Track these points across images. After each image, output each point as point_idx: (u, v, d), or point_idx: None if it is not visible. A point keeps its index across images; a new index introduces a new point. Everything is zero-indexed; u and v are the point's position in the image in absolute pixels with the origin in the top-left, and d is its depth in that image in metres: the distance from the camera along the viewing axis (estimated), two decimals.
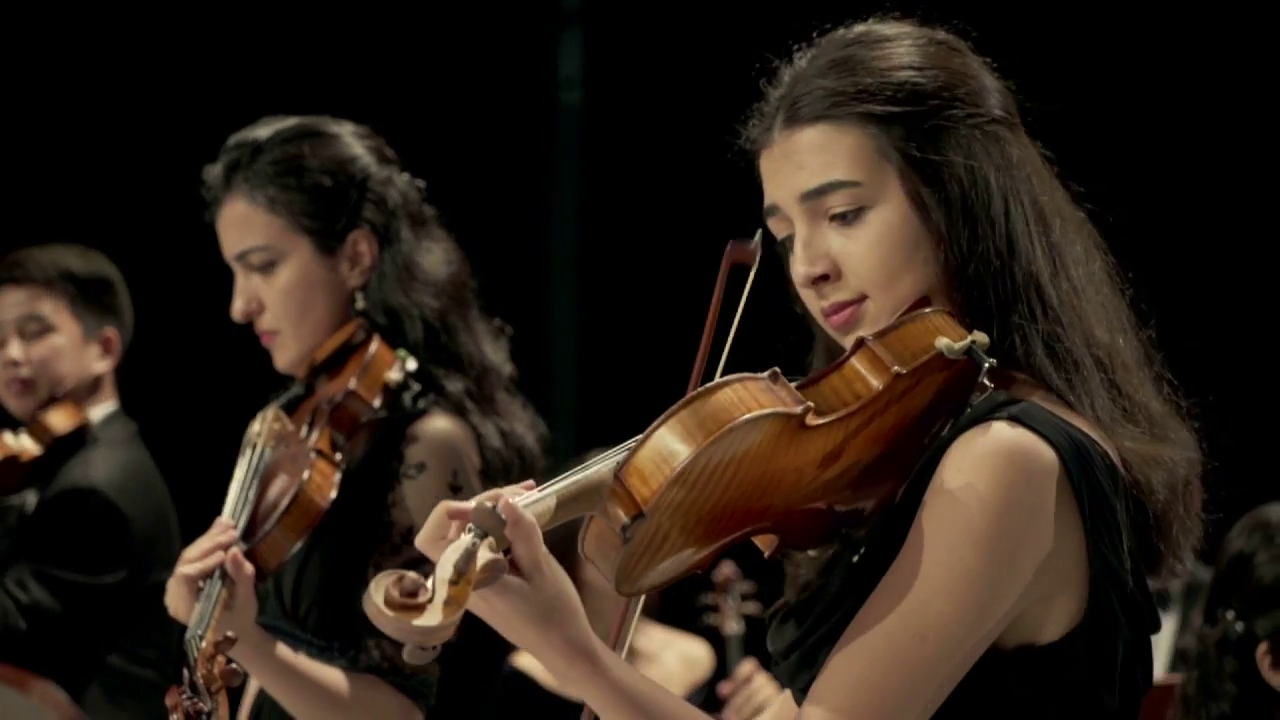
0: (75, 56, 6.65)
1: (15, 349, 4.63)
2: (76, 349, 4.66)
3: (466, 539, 2.00)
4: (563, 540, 4.26)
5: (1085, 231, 2.37)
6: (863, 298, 2.28)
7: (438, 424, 3.28)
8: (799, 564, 2.39)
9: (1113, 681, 2.21)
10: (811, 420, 2.13)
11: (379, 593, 1.95)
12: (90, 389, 4.70)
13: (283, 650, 3.12)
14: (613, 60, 6.91)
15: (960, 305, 2.26)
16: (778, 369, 2.16)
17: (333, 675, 3.16)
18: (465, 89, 6.87)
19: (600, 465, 2.14)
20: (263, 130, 3.40)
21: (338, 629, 3.22)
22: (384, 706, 3.18)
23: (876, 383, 2.17)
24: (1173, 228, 6.09)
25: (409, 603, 1.95)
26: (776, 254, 2.38)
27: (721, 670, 5.29)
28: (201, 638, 2.94)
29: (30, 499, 4.61)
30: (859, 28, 2.37)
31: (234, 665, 2.93)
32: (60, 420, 4.61)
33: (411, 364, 3.32)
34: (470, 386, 3.35)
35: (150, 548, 4.54)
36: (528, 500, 2.09)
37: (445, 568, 1.97)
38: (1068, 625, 2.18)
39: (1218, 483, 2.43)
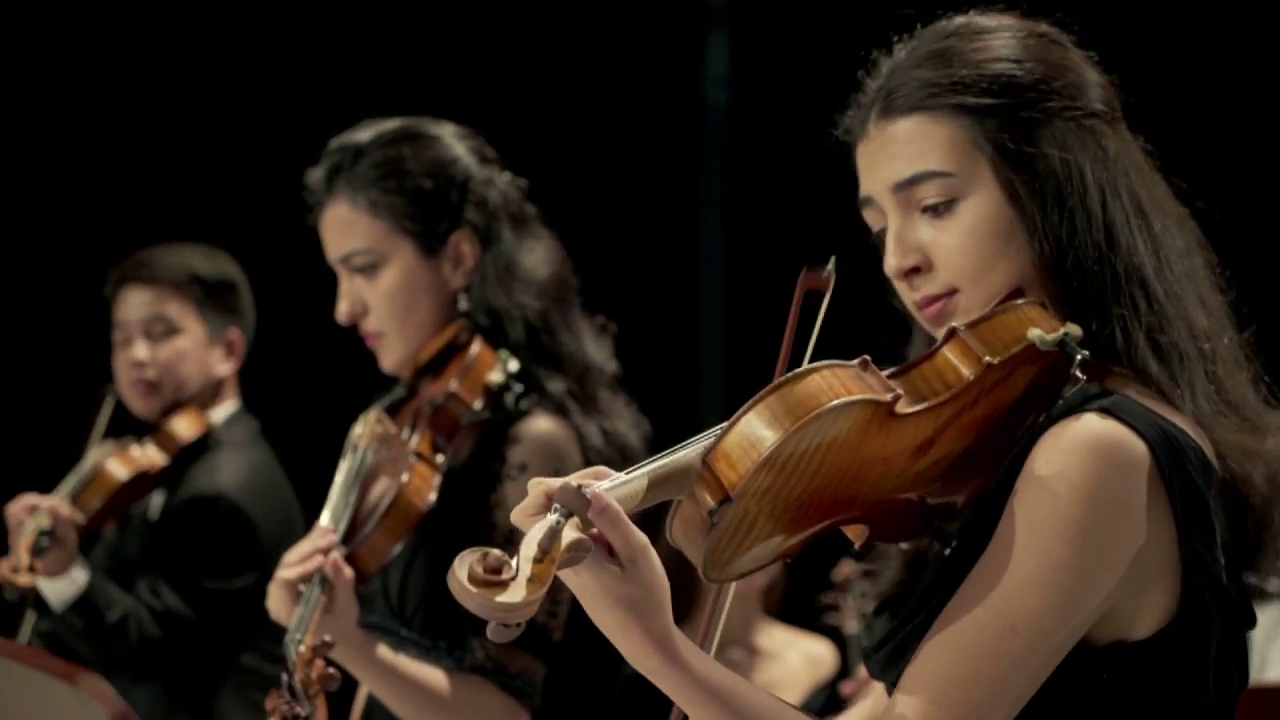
0: (198, 58, 6.74)
1: (141, 350, 4.65)
2: (201, 351, 4.68)
3: (551, 518, 2.00)
4: None
5: (1187, 227, 2.36)
6: (954, 291, 2.29)
7: (540, 424, 3.29)
8: (892, 558, 2.40)
9: (1206, 678, 2.19)
10: (902, 408, 2.14)
11: (463, 569, 1.96)
12: (213, 391, 4.71)
13: (384, 652, 3.11)
14: (759, 59, 6.91)
15: (1056, 297, 2.26)
16: (868, 357, 2.16)
17: (436, 676, 3.16)
18: (613, 89, 6.89)
19: (689, 449, 2.13)
20: (364, 133, 3.42)
21: (444, 629, 3.23)
22: (488, 707, 3.18)
23: (968, 372, 2.18)
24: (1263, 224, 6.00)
25: (492, 579, 1.95)
26: (849, 279, 2.38)
27: (844, 670, 5.28)
28: (300, 642, 2.96)
29: (154, 503, 4.65)
30: (959, 20, 2.38)
31: (332, 670, 2.94)
32: (185, 428, 4.63)
33: (513, 365, 3.33)
34: (572, 386, 3.35)
35: (278, 549, 4.45)
36: (615, 482, 2.08)
37: (530, 545, 1.98)
38: (1161, 621, 2.16)
39: None
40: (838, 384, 2.11)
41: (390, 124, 3.44)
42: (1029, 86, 2.28)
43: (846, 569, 5.36)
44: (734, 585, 2.36)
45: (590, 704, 3.40)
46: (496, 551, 1.97)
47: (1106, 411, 2.15)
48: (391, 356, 3.41)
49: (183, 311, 4.66)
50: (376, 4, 6.86)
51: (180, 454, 4.62)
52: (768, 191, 6.81)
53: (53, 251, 6.46)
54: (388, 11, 6.85)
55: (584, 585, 2.08)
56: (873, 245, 2.36)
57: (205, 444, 4.65)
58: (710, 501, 2.09)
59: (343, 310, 3.41)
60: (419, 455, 3.24)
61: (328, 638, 2.97)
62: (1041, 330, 2.19)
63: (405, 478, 3.20)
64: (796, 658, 5.37)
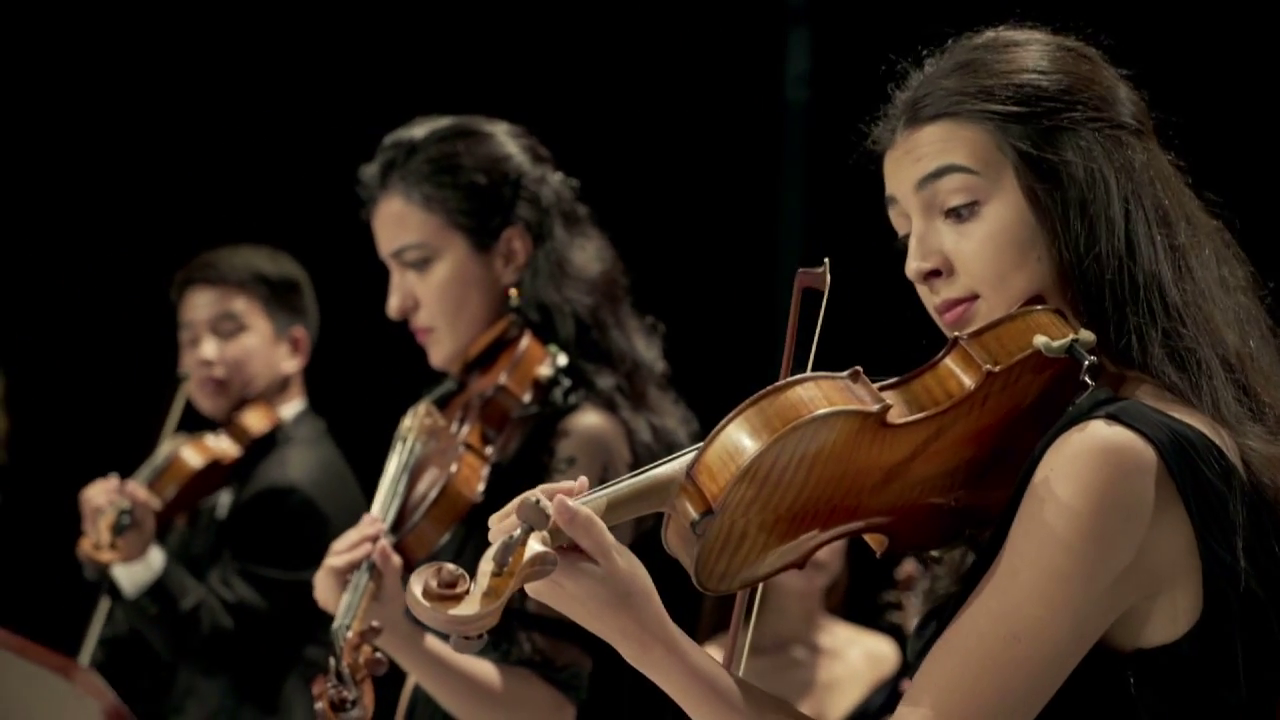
0: (261, 63, 6.79)
1: (209, 348, 4.73)
2: (268, 349, 4.75)
3: (514, 533, 2.03)
4: None
5: (1217, 239, 2.36)
6: (974, 296, 2.30)
7: (588, 419, 3.31)
8: (945, 568, 2.40)
9: (1236, 682, 2.17)
10: (894, 418, 2.14)
11: (418, 583, 2.00)
12: (280, 388, 4.78)
13: (432, 642, 3.13)
14: (840, 58, 6.89)
15: (1075, 304, 2.26)
16: (859, 368, 2.16)
17: (483, 668, 3.17)
18: (694, 87, 6.90)
19: (677, 461, 2.15)
20: (418, 130, 3.45)
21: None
22: (534, 700, 3.20)
23: (969, 381, 2.18)
24: None
25: (446, 593, 1.99)
26: (843, 278, 2.38)
27: (905, 668, 5.28)
28: (348, 628, 3.00)
29: (222, 502, 4.71)
30: (988, 33, 2.40)
31: (379, 655, 2.98)
32: (257, 421, 4.70)
33: (562, 359, 3.35)
34: (621, 382, 3.37)
35: None
36: (585, 498, 2.11)
37: (486, 559, 2.01)
38: (1185, 624, 2.15)
39: None
40: (820, 395, 2.11)
41: (444, 121, 3.47)
42: (1054, 96, 2.30)
43: (909, 567, 5.36)
44: (775, 593, 2.35)
45: (637, 698, 3.41)
46: (451, 566, 2.00)
47: (1113, 417, 2.14)
48: (441, 351, 3.44)
49: (249, 309, 4.75)
50: (454, 3, 6.91)
51: (251, 447, 4.68)
52: (848, 190, 6.80)
53: (125, 251, 6.54)
54: (465, 8, 6.90)
55: (569, 595, 2.12)
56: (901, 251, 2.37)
57: (275, 440, 4.72)
58: (693, 514, 2.09)
59: (394, 305, 3.44)
60: (468, 446, 3.27)
61: (375, 623, 3.00)
62: (1049, 337, 2.19)
63: (454, 468, 3.23)
64: (858, 655, 5.36)
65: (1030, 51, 2.34)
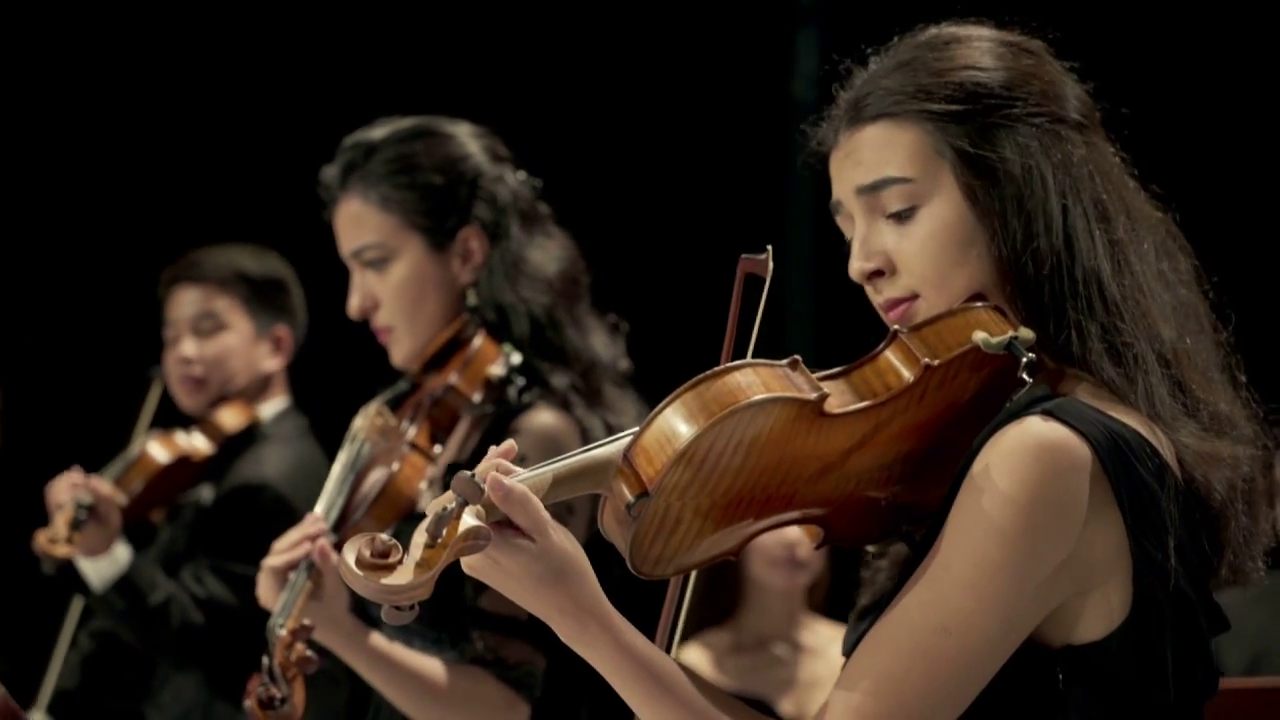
0: (245, 65, 6.80)
1: (189, 346, 4.75)
2: (248, 347, 4.77)
3: (445, 505, 2.03)
4: None
5: (1161, 232, 2.36)
6: (915, 295, 2.31)
7: (541, 418, 3.32)
8: (880, 566, 2.41)
9: (1165, 680, 2.19)
10: (831, 408, 2.15)
11: (351, 552, 2.00)
12: (260, 387, 4.80)
13: (378, 640, 3.15)
14: (849, 56, 6.88)
15: (1015, 301, 2.27)
16: (799, 357, 2.18)
17: (432, 666, 3.18)
18: (702, 86, 6.91)
19: (615, 444, 2.16)
20: (378, 131, 3.49)
21: (448, 621, 3.25)
22: (486, 698, 3.20)
23: (908, 374, 2.20)
24: (1261, 230, 5.93)
25: (378, 563, 2.00)
26: (785, 264, 2.40)
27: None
28: (281, 625, 3.02)
29: (205, 494, 4.72)
30: (931, 30, 2.40)
31: (310, 654, 3.00)
32: (231, 419, 4.71)
33: (516, 358, 3.37)
34: (576, 381, 3.38)
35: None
36: (521, 475, 2.11)
37: (420, 531, 2.02)
38: (1115, 622, 2.17)
39: None
40: (758, 381, 2.12)
41: (405, 121, 3.51)
42: (992, 93, 2.30)
43: None
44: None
45: (594, 697, 3.42)
46: (384, 535, 2.01)
47: (1049, 414, 2.15)
48: (401, 350, 3.46)
49: (230, 308, 4.77)
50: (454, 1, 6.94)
51: (226, 444, 4.70)
52: None
53: (109, 250, 6.56)
54: (466, 6, 6.92)
55: (504, 571, 2.12)
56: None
57: (252, 436, 4.73)
58: (629, 496, 2.10)
59: (354, 305, 3.47)
60: (413, 445, 3.29)
61: (308, 621, 3.03)
62: (988, 334, 2.20)
63: (396, 466, 3.25)
64: (840, 653, 5.34)
65: (971, 48, 2.34)
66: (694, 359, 3.55)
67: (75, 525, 4.30)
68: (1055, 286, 2.26)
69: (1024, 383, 2.19)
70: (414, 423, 3.33)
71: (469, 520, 2.03)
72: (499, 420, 3.35)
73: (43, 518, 4.44)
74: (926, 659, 2.13)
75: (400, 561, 2.00)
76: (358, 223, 3.45)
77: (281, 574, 3.12)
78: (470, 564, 2.12)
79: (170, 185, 6.71)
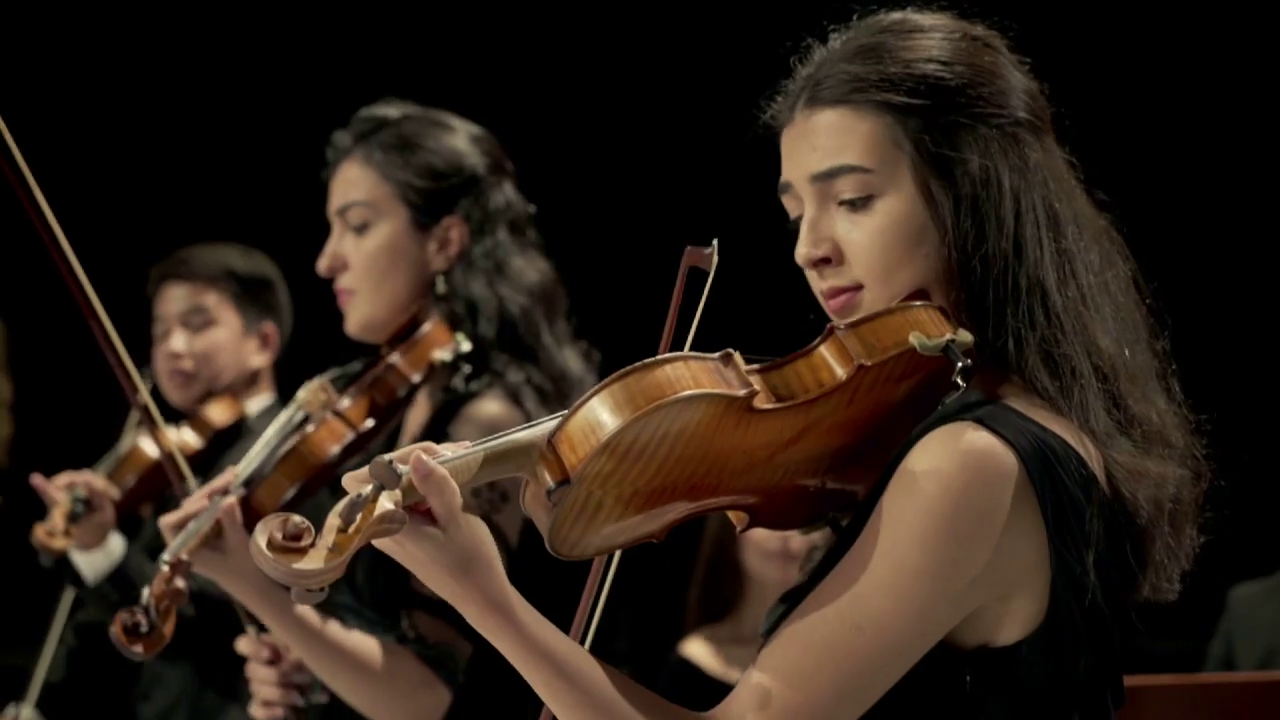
0: (238, 65, 6.87)
1: (179, 341, 4.81)
2: (236, 343, 4.83)
3: (363, 490, 2.03)
4: (721, 527, 4.25)
5: (1105, 239, 2.34)
6: (859, 286, 2.28)
7: (488, 407, 3.34)
8: (816, 547, 2.42)
9: (1072, 691, 2.18)
10: (761, 404, 2.13)
11: (263, 534, 1.98)
12: (248, 382, 4.86)
13: (304, 611, 3.15)
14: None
15: (958, 303, 2.25)
16: (733, 350, 2.16)
17: (354, 639, 3.19)
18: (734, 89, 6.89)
19: (540, 427, 2.14)
20: (393, 109, 3.56)
21: (387, 602, 3.27)
22: (404, 674, 3.21)
23: (841, 372, 2.17)
24: (1199, 236, 5.88)
25: (290, 545, 1.98)
26: (731, 258, 2.37)
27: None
28: (166, 561, 3.06)
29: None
30: (895, 15, 2.37)
31: (182, 586, 3.03)
32: (219, 414, 4.77)
33: (465, 346, 3.40)
34: (542, 382, 3.40)
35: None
36: (447, 457, 2.10)
37: (334, 515, 2.01)
38: (1028, 628, 2.16)
39: (1234, 498, 2.36)
40: (688, 376, 2.10)
41: (417, 107, 3.59)
42: (955, 90, 2.27)
43: None
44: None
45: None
46: (298, 518, 1.99)
47: (979, 421, 2.14)
48: (356, 316, 3.50)
49: (219, 304, 4.83)
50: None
51: (214, 439, 4.75)
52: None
53: (101, 248, 6.61)
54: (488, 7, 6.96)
55: (412, 555, 2.11)
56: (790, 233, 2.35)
57: (239, 431, 4.77)
58: (550, 481, 2.09)
59: (324, 262, 3.52)
60: (337, 413, 3.31)
61: (185, 556, 3.05)
62: (925, 335, 2.18)
63: (311, 429, 3.28)
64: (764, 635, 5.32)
65: (933, 39, 2.30)
66: (637, 349, 3.56)
67: (72, 519, 4.36)
68: (999, 292, 2.23)
69: (957, 386, 2.17)
70: (349, 396, 3.35)
71: (384, 504, 2.02)
72: (447, 406, 3.37)
73: (33, 512, 4.48)
74: (838, 656, 2.12)
75: (312, 545, 1.99)
76: (352, 182, 3.51)
77: (177, 529, 3.14)
78: (381, 545, 2.12)
79: (160, 185, 6.79)
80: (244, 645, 3.40)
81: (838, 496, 2.29)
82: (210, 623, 4.51)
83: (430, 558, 2.10)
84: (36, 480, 4.39)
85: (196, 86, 6.88)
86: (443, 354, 3.39)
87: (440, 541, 2.09)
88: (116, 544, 4.45)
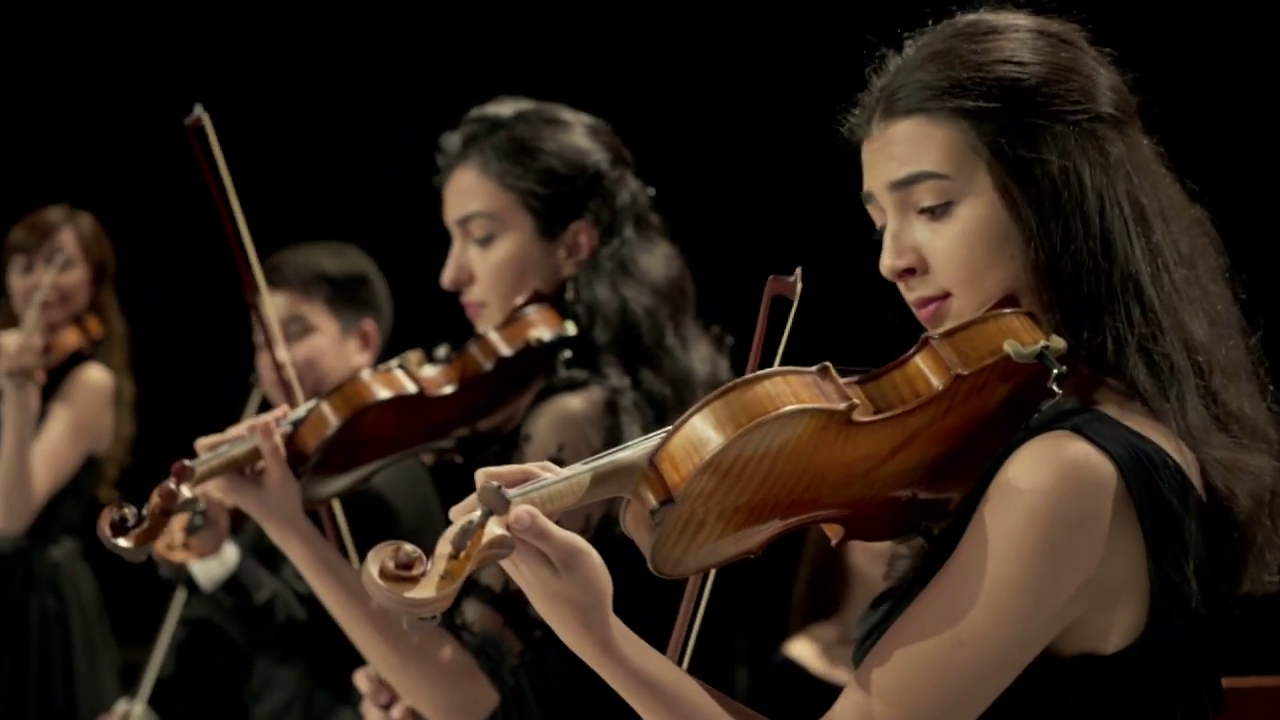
0: (323, 66, 6.91)
1: (279, 351, 4.78)
2: (336, 346, 4.84)
3: (469, 516, 2.02)
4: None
5: (1198, 230, 2.31)
6: (946, 294, 2.27)
7: (569, 401, 3.25)
8: (906, 553, 2.40)
9: (1172, 701, 2.16)
10: (859, 417, 2.13)
11: (375, 563, 1.98)
12: None
13: (345, 574, 3.11)
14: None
15: (1049, 305, 2.23)
16: (829, 363, 2.15)
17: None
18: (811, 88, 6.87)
19: (640, 447, 2.14)
20: (505, 108, 3.45)
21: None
22: (446, 661, 3.13)
23: (937, 383, 2.17)
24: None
25: (402, 575, 1.98)
26: (816, 287, 2.38)
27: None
28: (188, 465, 3.03)
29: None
30: (968, 18, 2.35)
31: (172, 488, 2.98)
32: None
33: (571, 330, 3.32)
34: (661, 388, 3.30)
35: (419, 538, 4.61)
36: (540, 484, 2.09)
37: (444, 543, 2.00)
38: (1128, 638, 2.15)
39: None
40: (788, 391, 2.10)
41: (529, 104, 3.47)
42: (1030, 90, 2.25)
43: None
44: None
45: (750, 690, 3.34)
46: (409, 546, 1.99)
47: (1077, 430, 2.12)
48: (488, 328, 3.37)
49: (314, 310, 4.85)
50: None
51: None
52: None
53: (210, 256, 6.67)
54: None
55: (522, 577, 2.12)
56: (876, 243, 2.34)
57: None
58: (653, 501, 2.09)
59: (448, 275, 3.42)
60: (403, 367, 3.24)
61: (188, 463, 3.01)
62: (1019, 342, 2.17)
63: (369, 372, 3.21)
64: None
65: (1007, 39, 2.29)
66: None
67: (191, 531, 4.35)
68: (1092, 292, 2.21)
69: (1052, 393, 2.16)
70: (438, 364, 3.29)
71: (493, 530, 2.02)
72: (539, 396, 3.30)
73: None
74: (939, 670, 2.11)
75: (424, 573, 1.98)
76: (471, 192, 3.40)
77: (211, 449, 3.10)
78: (503, 565, 2.13)
79: (253, 190, 6.82)
80: (362, 683, 3.36)
81: (930, 506, 2.28)
82: (323, 623, 4.55)
83: (541, 584, 2.11)
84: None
85: (286, 91, 6.91)
86: (540, 333, 3.30)
87: (555, 575, 2.10)
88: (231, 552, 4.48)
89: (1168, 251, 2.23)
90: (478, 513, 2.01)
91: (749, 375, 2.11)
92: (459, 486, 3.25)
